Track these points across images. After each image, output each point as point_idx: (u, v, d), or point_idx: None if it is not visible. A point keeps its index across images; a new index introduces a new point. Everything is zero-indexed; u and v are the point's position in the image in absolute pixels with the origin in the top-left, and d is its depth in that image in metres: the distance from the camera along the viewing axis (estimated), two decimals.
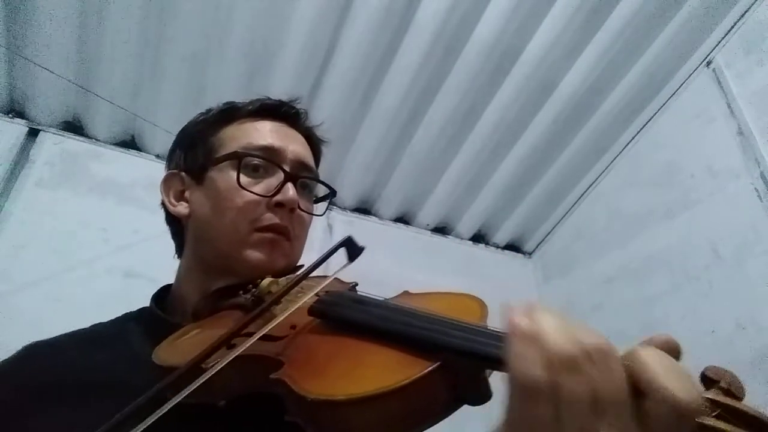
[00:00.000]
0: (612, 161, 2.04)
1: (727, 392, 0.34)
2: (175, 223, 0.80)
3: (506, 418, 0.35)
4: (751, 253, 1.43)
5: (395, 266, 1.79)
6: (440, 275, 2.04)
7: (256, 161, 0.73)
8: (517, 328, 0.36)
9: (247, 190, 0.71)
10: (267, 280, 0.64)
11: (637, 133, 1.95)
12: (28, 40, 1.62)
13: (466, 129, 1.95)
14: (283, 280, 0.66)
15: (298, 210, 0.74)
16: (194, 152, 0.78)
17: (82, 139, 1.87)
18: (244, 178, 0.72)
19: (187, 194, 0.77)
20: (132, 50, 1.67)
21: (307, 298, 0.55)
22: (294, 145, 0.77)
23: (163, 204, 0.80)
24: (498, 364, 0.39)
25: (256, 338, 0.48)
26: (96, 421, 0.40)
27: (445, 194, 2.15)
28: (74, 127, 1.87)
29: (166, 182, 0.80)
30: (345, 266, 0.59)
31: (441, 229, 2.30)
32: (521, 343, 0.35)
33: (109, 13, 1.58)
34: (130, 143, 1.92)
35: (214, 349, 0.47)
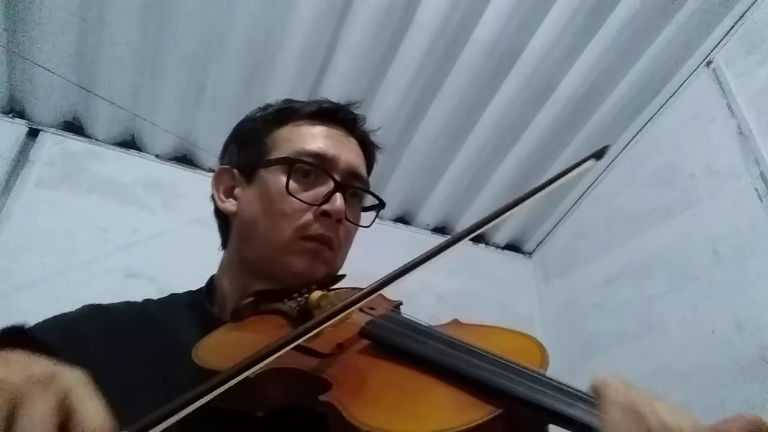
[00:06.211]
0: (612, 161, 2.04)
1: None
2: (222, 217, 0.81)
3: None
4: (751, 253, 1.43)
5: (395, 266, 1.78)
6: (440, 275, 2.04)
7: (307, 167, 0.73)
8: (615, 398, 0.36)
9: (295, 197, 0.71)
10: (317, 294, 0.62)
11: (637, 133, 1.95)
12: (28, 40, 1.62)
13: (466, 129, 1.95)
14: (332, 295, 0.64)
15: (345, 220, 0.73)
16: (247, 150, 0.78)
17: (82, 139, 1.86)
18: (293, 185, 0.71)
19: (236, 191, 0.77)
20: (132, 50, 1.67)
21: (345, 311, 0.51)
22: (347, 153, 0.76)
23: (212, 198, 0.80)
24: (564, 421, 0.38)
25: (293, 346, 0.46)
26: (129, 398, 0.39)
27: (445, 194, 2.15)
28: (74, 127, 1.87)
29: (218, 177, 0.79)
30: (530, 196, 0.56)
31: (441, 229, 2.30)
32: (622, 415, 0.35)
33: (109, 13, 1.58)
34: (130, 143, 1.92)
35: (261, 358, 0.44)
